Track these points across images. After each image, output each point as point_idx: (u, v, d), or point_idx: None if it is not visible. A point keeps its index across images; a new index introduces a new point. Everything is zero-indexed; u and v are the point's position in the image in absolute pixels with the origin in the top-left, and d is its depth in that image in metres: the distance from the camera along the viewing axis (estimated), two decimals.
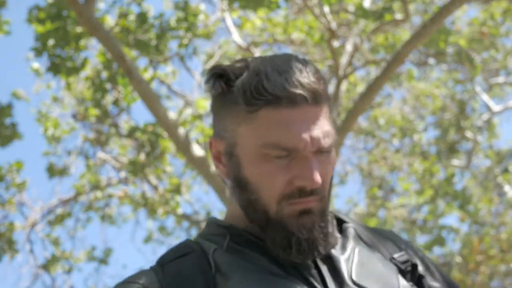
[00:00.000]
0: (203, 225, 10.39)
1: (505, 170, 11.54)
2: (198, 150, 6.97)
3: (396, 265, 1.22)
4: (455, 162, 11.64)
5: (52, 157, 9.46)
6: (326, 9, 7.79)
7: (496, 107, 11.36)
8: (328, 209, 1.18)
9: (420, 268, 1.25)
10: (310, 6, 8.01)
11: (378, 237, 1.28)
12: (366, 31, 8.50)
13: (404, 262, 1.23)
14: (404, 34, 9.10)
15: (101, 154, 9.51)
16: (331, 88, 10.50)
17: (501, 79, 11.36)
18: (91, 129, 9.11)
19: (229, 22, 9.17)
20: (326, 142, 1.13)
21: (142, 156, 8.54)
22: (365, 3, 7.53)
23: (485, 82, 11.46)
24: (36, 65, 8.59)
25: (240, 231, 1.18)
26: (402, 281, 1.17)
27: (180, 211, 9.75)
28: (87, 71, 7.71)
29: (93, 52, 7.98)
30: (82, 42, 6.76)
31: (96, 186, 9.62)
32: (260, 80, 1.11)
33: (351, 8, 7.98)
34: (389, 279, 1.16)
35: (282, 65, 1.13)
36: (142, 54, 7.54)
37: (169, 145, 8.45)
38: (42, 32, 6.52)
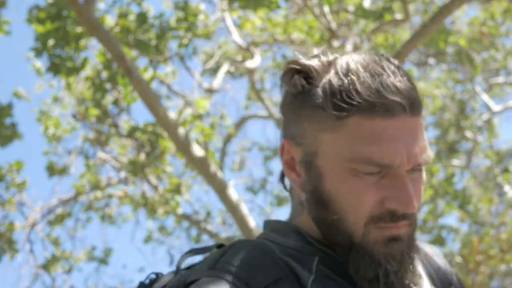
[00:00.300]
0: (203, 225, 10.41)
1: (505, 170, 11.54)
2: (198, 150, 6.97)
3: None
4: (455, 162, 11.64)
5: (52, 156, 9.47)
6: (326, 9, 7.79)
7: (496, 107, 11.36)
8: (415, 237, 1.03)
9: None
10: (310, 6, 8.01)
11: (433, 266, 1.15)
12: (366, 31, 8.50)
13: None
14: (404, 34, 9.10)
15: (101, 154, 9.51)
16: None
17: (501, 79, 11.36)
18: (91, 129, 9.11)
19: (229, 22, 9.17)
20: (423, 159, 0.99)
21: (142, 156, 8.54)
22: (365, 3, 7.53)
23: (485, 82, 11.47)
24: (37, 63, 8.60)
25: (328, 251, 1.02)
26: None
27: (180, 211, 9.76)
28: (87, 71, 7.71)
29: (93, 52, 7.99)
30: (82, 42, 6.76)
31: (96, 186, 9.62)
32: (351, 82, 0.97)
33: (351, 8, 7.98)
34: None
35: (374, 65, 0.98)
36: (142, 54, 7.54)
37: (169, 145, 8.45)
38: (42, 32, 6.52)
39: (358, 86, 0.96)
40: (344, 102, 0.96)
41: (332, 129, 0.98)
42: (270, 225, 1.09)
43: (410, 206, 0.97)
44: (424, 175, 1.02)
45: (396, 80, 0.97)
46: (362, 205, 0.98)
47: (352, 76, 0.97)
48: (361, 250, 0.99)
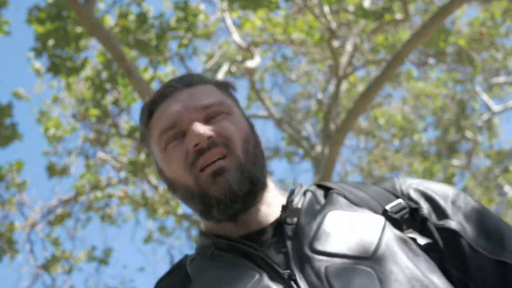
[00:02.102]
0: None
1: (505, 170, 11.54)
2: None
3: (389, 216, 1.14)
4: (455, 162, 11.64)
5: (52, 156, 9.47)
6: (326, 9, 7.79)
7: (496, 107, 11.36)
8: (250, 166, 1.17)
9: (425, 211, 1.17)
10: (310, 6, 8.01)
11: (372, 192, 1.21)
12: (366, 31, 8.50)
13: (399, 211, 1.16)
14: (404, 34, 9.10)
15: (101, 154, 9.51)
16: (331, 88, 10.51)
17: (501, 79, 11.36)
18: (91, 129, 9.11)
19: (229, 22, 9.17)
20: (203, 104, 1.21)
21: (142, 156, 8.53)
22: (365, 3, 7.53)
23: (485, 82, 11.46)
24: (37, 64, 8.60)
25: (221, 239, 1.18)
26: (388, 234, 1.09)
27: (180, 211, 9.75)
28: (87, 71, 7.71)
29: (93, 52, 7.99)
30: (82, 42, 6.76)
31: (96, 186, 9.61)
32: (151, 96, 1.27)
33: (351, 8, 7.98)
34: (366, 236, 1.08)
35: (172, 79, 1.30)
36: (142, 54, 7.54)
37: None
38: (42, 32, 6.52)
39: (152, 96, 1.27)
40: (147, 111, 1.26)
41: (149, 135, 1.27)
42: None
43: (196, 134, 1.15)
44: (235, 119, 1.22)
45: (175, 78, 1.28)
46: (177, 164, 1.18)
47: (153, 93, 1.28)
48: (200, 195, 1.16)
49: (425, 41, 7.42)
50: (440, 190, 1.20)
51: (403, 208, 1.16)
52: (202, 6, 7.98)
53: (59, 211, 9.75)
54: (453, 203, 1.17)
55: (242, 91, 11.39)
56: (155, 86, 8.86)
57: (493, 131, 11.83)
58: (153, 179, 9.21)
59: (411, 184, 1.21)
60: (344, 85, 9.90)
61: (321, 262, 1.04)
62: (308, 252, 1.07)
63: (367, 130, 11.55)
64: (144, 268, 11.43)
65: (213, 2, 9.29)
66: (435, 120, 11.61)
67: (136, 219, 10.56)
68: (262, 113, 10.88)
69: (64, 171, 9.30)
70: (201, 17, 7.87)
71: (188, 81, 1.26)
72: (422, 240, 1.12)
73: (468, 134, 11.31)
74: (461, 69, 10.55)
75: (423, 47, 8.96)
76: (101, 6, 7.65)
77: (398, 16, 7.23)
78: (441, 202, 1.17)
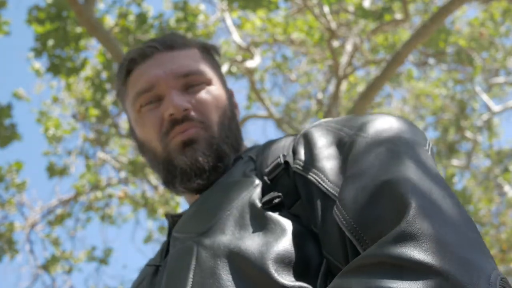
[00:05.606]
0: None
1: (505, 170, 11.54)
2: None
3: (264, 180, 1.01)
4: (455, 162, 11.63)
5: (52, 157, 9.47)
6: (326, 9, 7.78)
7: (496, 107, 11.36)
8: (221, 140, 1.16)
9: (291, 160, 1.01)
10: (310, 6, 8.01)
11: (272, 150, 1.08)
12: (366, 31, 8.50)
13: (273, 170, 1.02)
14: (404, 34, 9.09)
15: (101, 154, 9.50)
16: (331, 88, 10.51)
17: (501, 79, 11.36)
18: (91, 129, 9.11)
19: (229, 22, 9.17)
20: (183, 71, 1.19)
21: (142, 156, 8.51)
22: (365, 3, 7.52)
23: (485, 82, 11.46)
24: (37, 64, 8.60)
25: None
26: (241, 203, 0.98)
27: (180, 211, 9.75)
28: (87, 71, 7.71)
29: (93, 52, 7.99)
30: (82, 42, 6.76)
31: (96, 186, 9.61)
32: (129, 53, 1.25)
33: (351, 8, 7.98)
34: (215, 211, 1.00)
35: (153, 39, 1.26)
36: None
37: None
38: (42, 33, 6.52)
39: (131, 53, 1.23)
40: (126, 69, 1.24)
41: (125, 94, 1.25)
42: None
43: (173, 105, 1.14)
44: (213, 90, 1.20)
45: (157, 38, 1.24)
46: (151, 128, 1.17)
47: (132, 50, 1.24)
48: (165, 162, 1.15)
49: (425, 41, 7.41)
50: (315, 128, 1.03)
51: (277, 166, 1.02)
52: (202, 6, 7.98)
53: (59, 211, 9.75)
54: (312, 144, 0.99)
55: (242, 91, 11.40)
56: None
57: (493, 131, 11.83)
58: (153, 179, 9.21)
59: (301, 135, 1.04)
60: (344, 85, 9.89)
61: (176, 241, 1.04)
62: (174, 234, 1.06)
63: None
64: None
65: (213, 2, 9.29)
66: (435, 120, 11.61)
67: (136, 219, 10.56)
68: (262, 113, 10.89)
69: (64, 171, 9.30)
70: (201, 17, 7.87)
71: (170, 43, 1.23)
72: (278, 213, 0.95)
73: (468, 134, 11.31)
74: (461, 69, 10.55)
75: (423, 47, 8.96)
76: (101, 6, 7.65)
77: (398, 16, 7.23)
78: (305, 144, 1.01)
